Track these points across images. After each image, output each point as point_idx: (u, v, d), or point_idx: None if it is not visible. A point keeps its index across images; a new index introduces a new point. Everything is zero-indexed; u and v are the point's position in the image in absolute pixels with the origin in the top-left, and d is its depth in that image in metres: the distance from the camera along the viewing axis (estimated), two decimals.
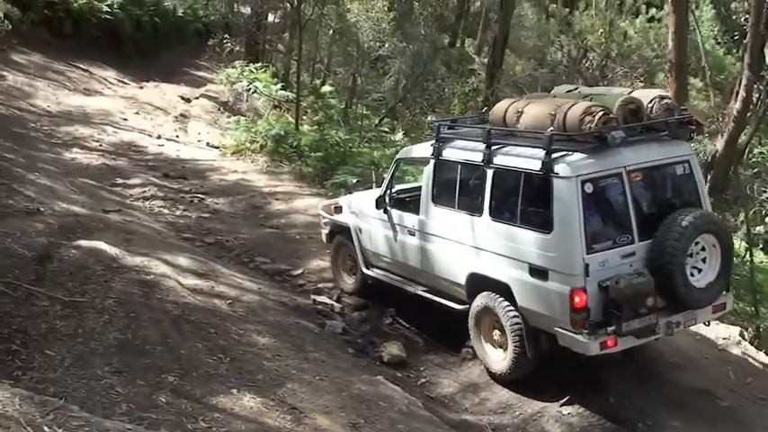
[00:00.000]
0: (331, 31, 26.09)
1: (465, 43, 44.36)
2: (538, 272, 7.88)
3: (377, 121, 25.78)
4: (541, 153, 7.82)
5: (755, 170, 15.50)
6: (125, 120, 20.88)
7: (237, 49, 27.73)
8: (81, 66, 25.18)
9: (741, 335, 9.46)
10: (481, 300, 8.66)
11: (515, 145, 8.33)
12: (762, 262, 16.32)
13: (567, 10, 19.21)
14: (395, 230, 9.90)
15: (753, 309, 13.25)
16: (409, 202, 9.90)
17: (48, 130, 18.95)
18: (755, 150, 15.63)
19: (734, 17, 15.82)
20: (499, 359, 8.62)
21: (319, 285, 11.44)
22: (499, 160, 8.39)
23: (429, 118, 12.19)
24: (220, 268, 10.84)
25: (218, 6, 33.24)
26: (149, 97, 23.42)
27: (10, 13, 22.94)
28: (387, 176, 10.37)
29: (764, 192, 14.99)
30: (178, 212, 14.51)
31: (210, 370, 7.42)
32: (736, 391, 8.49)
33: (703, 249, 7.95)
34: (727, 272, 8.18)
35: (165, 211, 14.51)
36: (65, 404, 5.35)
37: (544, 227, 7.82)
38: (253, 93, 22.45)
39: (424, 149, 9.74)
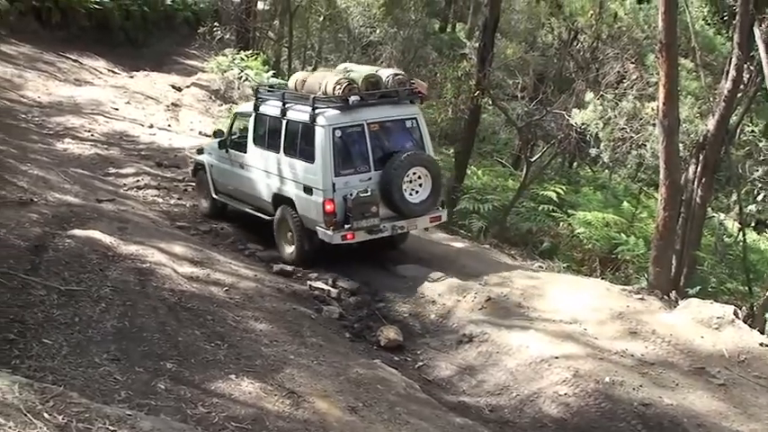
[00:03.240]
0: (321, 18, 26.05)
1: (456, 28, 44.32)
2: (307, 189, 11.05)
3: None
4: (309, 110, 10.90)
5: (747, 150, 15.56)
6: (116, 109, 20.80)
7: (228, 37, 27.60)
8: (71, 56, 25.07)
9: (735, 313, 9.49)
10: (280, 211, 11.68)
11: (298, 104, 11.34)
12: (754, 241, 16.43)
13: None
14: (231, 165, 12.83)
15: (746, 287, 13.35)
16: (240, 144, 12.67)
17: (39, 120, 18.88)
18: (747, 130, 15.69)
19: None
20: (290, 252, 11.61)
21: (315, 271, 11.45)
22: (289, 115, 11.44)
23: (256, 85, 15.03)
24: (216, 256, 10.84)
25: None
26: (140, 87, 23.34)
27: None
28: (227, 125, 13.51)
29: (756, 171, 15.07)
30: (172, 201, 14.49)
31: (209, 356, 7.46)
32: (730, 369, 8.54)
33: (419, 177, 11.13)
34: (437, 193, 11.42)
35: (159, 199, 14.50)
36: (64, 391, 5.34)
37: (310, 159, 10.92)
38: (244, 81, 22.36)
39: (249, 106, 12.70)
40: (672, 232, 11.69)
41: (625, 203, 17.83)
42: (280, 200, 11.66)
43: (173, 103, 21.88)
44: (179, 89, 23.33)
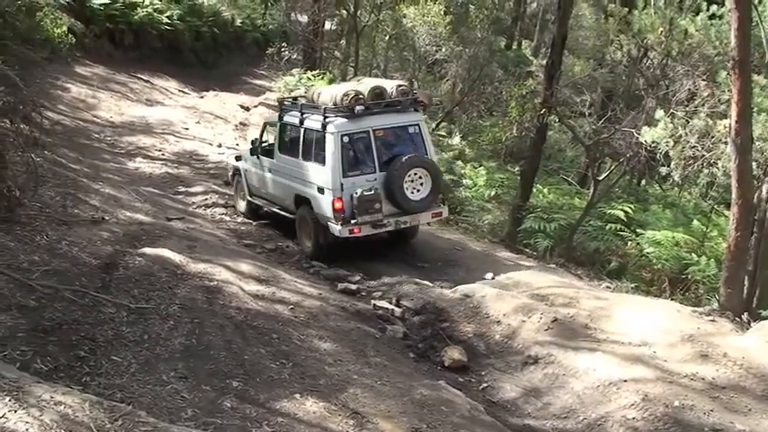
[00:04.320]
0: (387, 37, 26.18)
1: (522, 45, 44.16)
2: (320, 189, 12.30)
3: (434, 126, 25.76)
4: (321, 118, 12.18)
5: None
6: (186, 129, 21.22)
7: (295, 57, 27.99)
8: (142, 77, 25.68)
9: None
10: (300, 210, 13.01)
11: (313, 114, 12.58)
12: None
13: (626, 9, 18.84)
14: (262, 170, 14.12)
15: None
16: (269, 151, 13.92)
17: (111, 140, 19.36)
18: None
19: None
20: (309, 246, 12.91)
21: (379, 290, 11.46)
22: (306, 123, 12.71)
23: (279, 97, 16.05)
24: (281, 274, 10.94)
25: (276, 16, 33.66)
26: (210, 106, 23.77)
27: (74, 26, 23.52)
28: (258, 134, 14.75)
29: None
30: (239, 219, 14.72)
31: (274, 375, 7.50)
32: None
33: (420, 177, 12.38)
34: (437, 191, 12.71)
35: (227, 218, 14.73)
36: (132, 410, 5.45)
37: (322, 162, 12.19)
38: None
39: (276, 117, 13.92)
40: (744, 252, 11.39)
41: (695, 222, 17.46)
42: (300, 200, 12.95)
43: (241, 123, 22.22)
44: (247, 109, 23.68)
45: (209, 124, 21.78)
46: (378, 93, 12.54)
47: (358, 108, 12.12)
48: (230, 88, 26.83)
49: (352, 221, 12.06)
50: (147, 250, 10.12)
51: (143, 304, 8.43)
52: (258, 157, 14.15)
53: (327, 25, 29.12)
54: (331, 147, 12.02)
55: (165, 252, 10.13)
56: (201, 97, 25.37)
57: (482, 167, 21.49)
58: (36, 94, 14.03)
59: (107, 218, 11.59)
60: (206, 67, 28.94)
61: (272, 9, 34.29)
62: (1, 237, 9.19)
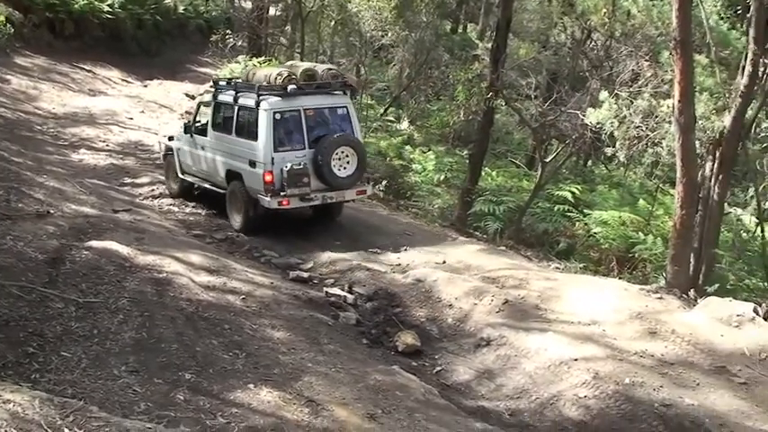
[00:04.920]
0: (333, 22, 26.05)
1: (467, 29, 44.26)
2: (252, 163, 12.82)
3: (382, 111, 25.76)
4: (255, 96, 12.70)
5: (764, 145, 15.43)
6: (131, 119, 20.92)
7: (240, 44, 27.68)
8: (84, 66, 25.26)
9: (755, 311, 9.41)
10: (232, 185, 13.43)
11: (247, 92, 13.07)
12: None
13: None
14: (195, 147, 14.44)
15: (766, 284, 13.24)
16: (202, 129, 14.28)
17: (54, 132, 19.01)
18: (763, 125, 15.54)
19: None
20: (239, 220, 13.36)
21: (331, 278, 11.45)
22: (240, 101, 13.22)
23: (214, 76, 16.88)
24: (232, 264, 10.86)
25: (219, 2, 33.28)
26: (154, 95, 23.47)
27: (11, 16, 23.02)
28: (192, 113, 15.20)
29: None
30: (187, 209, 14.55)
31: (227, 366, 7.45)
32: (751, 368, 8.46)
33: (347, 156, 12.93)
34: (363, 170, 13.27)
35: (175, 208, 14.57)
36: (84, 405, 5.37)
37: (255, 138, 12.73)
38: None
39: (207, 96, 14.78)
40: (689, 230, 11.62)
41: (641, 201, 17.74)
42: (232, 175, 13.40)
43: (186, 111, 21.90)
44: (192, 97, 23.37)
45: (154, 113, 21.52)
46: (309, 75, 13.24)
47: (290, 88, 12.75)
48: (175, 77, 26.51)
49: (282, 194, 12.56)
50: (94, 243, 9.96)
51: (91, 298, 8.31)
52: (192, 136, 14.48)
53: (272, 11, 28.90)
54: (263, 123, 12.60)
55: (112, 245, 9.98)
56: (145, 86, 25.03)
57: (431, 152, 21.57)
58: None
59: (52, 211, 11.38)
60: (149, 56, 28.53)
61: None
62: None
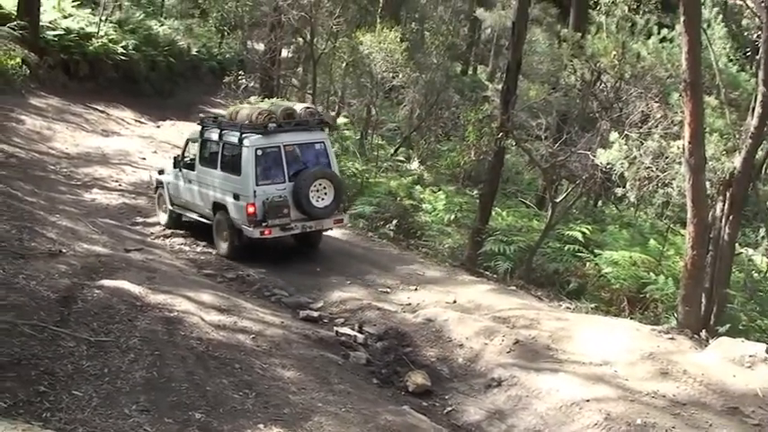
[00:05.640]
0: (344, 64, 26.26)
1: (477, 70, 44.59)
2: (235, 196, 13.65)
3: (392, 151, 25.87)
4: (238, 134, 13.64)
5: None
6: (143, 159, 21.08)
7: (252, 85, 27.93)
8: (98, 107, 25.50)
9: (767, 351, 9.36)
10: (218, 215, 14.24)
11: (232, 130, 13.96)
12: None
13: (579, 34, 19.15)
14: (183, 181, 15.23)
15: None
16: (191, 164, 15.10)
17: (67, 171, 19.15)
18: None
19: (746, 33, 15.74)
20: (225, 247, 14.16)
21: (341, 317, 11.45)
22: (224, 138, 14.06)
23: (201, 115, 17.21)
24: (242, 303, 10.88)
25: (232, 44, 33.61)
26: (167, 136, 23.66)
27: (27, 58, 23.24)
28: (182, 148, 15.83)
29: None
30: (198, 249, 14.61)
31: (237, 405, 7.44)
32: (764, 409, 8.38)
33: (324, 188, 13.77)
34: (339, 200, 14.31)
35: (186, 248, 14.63)
36: None
37: (239, 172, 13.56)
38: None
39: (196, 132, 15.22)
40: (701, 270, 11.57)
41: (652, 242, 17.66)
42: (218, 206, 14.22)
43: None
44: None
45: (167, 154, 21.61)
46: (288, 113, 14.21)
47: (271, 125, 13.68)
48: (187, 117, 26.71)
49: (263, 224, 13.37)
50: (106, 282, 10.02)
51: (103, 337, 8.33)
52: (180, 170, 15.32)
53: (284, 53, 29.18)
54: (246, 158, 13.43)
55: (123, 284, 10.03)
56: (158, 127, 25.25)
57: (441, 192, 21.60)
58: None
59: (64, 250, 11.45)
60: (162, 97, 28.83)
61: (229, 38, 34.24)
62: None
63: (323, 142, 14.25)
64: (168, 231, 15.38)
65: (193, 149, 15.23)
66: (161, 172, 16.40)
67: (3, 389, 6.73)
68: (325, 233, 14.94)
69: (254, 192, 13.38)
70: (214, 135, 14.43)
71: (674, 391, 8.70)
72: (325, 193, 13.84)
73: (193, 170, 14.95)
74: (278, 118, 13.95)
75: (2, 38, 21.48)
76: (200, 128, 15.03)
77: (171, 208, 15.71)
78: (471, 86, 35.91)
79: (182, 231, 15.36)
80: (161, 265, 12.26)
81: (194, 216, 15.15)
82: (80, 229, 13.44)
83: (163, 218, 16.06)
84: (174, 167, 15.55)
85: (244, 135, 13.60)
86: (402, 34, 24.90)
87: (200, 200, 14.76)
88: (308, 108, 14.88)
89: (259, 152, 13.50)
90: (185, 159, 15.40)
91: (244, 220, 13.49)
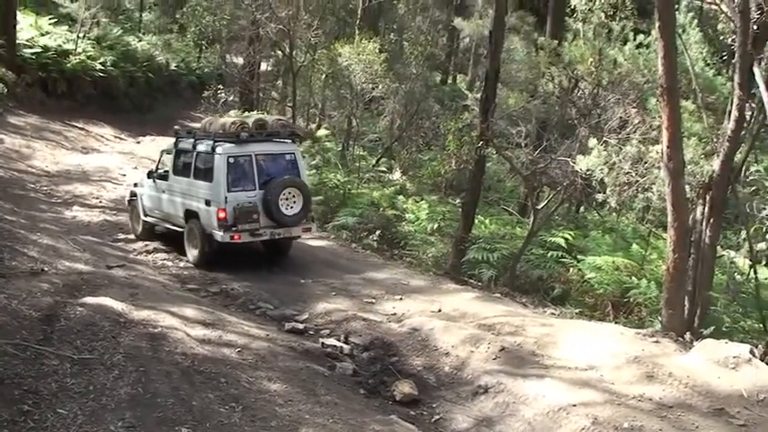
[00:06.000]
0: (324, 76, 26.32)
1: (457, 79, 44.73)
2: (207, 202, 14.07)
3: (374, 162, 25.89)
4: (211, 143, 14.14)
5: (753, 188, 15.51)
6: (124, 175, 21.03)
7: (232, 98, 27.96)
8: (77, 124, 25.45)
9: (751, 352, 9.41)
10: (189, 223, 14.60)
11: (205, 139, 14.52)
12: (766, 278, 16.30)
13: (556, 41, 19.28)
14: (157, 191, 15.65)
15: (761, 325, 13.22)
16: (164, 175, 15.52)
17: (47, 189, 19.07)
18: (752, 168, 15.66)
19: (721, 38, 15.89)
20: (195, 254, 14.51)
21: (327, 328, 11.43)
22: (198, 148, 14.56)
23: (176, 127, 17.85)
24: (227, 317, 10.85)
25: (211, 59, 33.61)
26: (147, 151, 23.61)
27: (5, 76, 23.20)
28: (157, 160, 16.39)
29: (764, 209, 15.01)
30: (181, 264, 14.56)
31: (224, 419, 7.40)
32: (749, 409, 8.43)
33: (293, 196, 14.19)
34: (307, 209, 14.56)
35: (169, 263, 14.58)
36: None
37: (211, 180, 14.00)
38: None
39: (170, 144, 15.85)
40: (683, 274, 11.64)
41: (634, 246, 17.74)
42: (189, 214, 14.60)
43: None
44: None
45: (147, 169, 21.56)
46: (260, 124, 14.85)
47: (243, 135, 14.23)
48: (167, 132, 26.46)
49: (233, 229, 13.80)
50: (89, 300, 9.96)
51: (86, 355, 8.28)
52: (154, 181, 15.76)
53: (263, 66, 29.21)
54: (218, 166, 13.90)
55: (106, 301, 9.98)
56: (138, 142, 25.20)
57: (424, 201, 21.62)
58: None
59: (46, 269, 11.39)
60: (141, 113, 28.80)
61: (207, 52, 34.24)
62: None
63: (293, 153, 14.75)
64: (151, 247, 15.31)
65: (167, 161, 15.63)
66: (135, 184, 16.93)
67: None
68: (302, 243, 15.42)
69: (226, 198, 13.81)
70: (188, 145, 14.91)
71: (660, 394, 8.73)
72: (294, 202, 14.28)
73: (167, 180, 15.37)
74: (250, 128, 14.50)
75: None
76: (174, 139, 15.59)
77: (144, 219, 16.10)
78: (451, 96, 36.02)
79: (164, 247, 15.28)
80: (144, 281, 12.21)
81: (167, 225, 15.55)
82: (61, 247, 13.37)
83: (137, 228, 16.46)
84: (148, 178, 16.01)
85: (216, 144, 14.08)
86: (381, 45, 24.98)
87: (173, 209, 15.16)
88: (280, 120, 15.76)
89: (231, 160, 13.95)
90: (159, 171, 15.81)
91: (214, 226, 13.88)
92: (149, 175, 16.02)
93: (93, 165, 21.67)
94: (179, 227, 15.06)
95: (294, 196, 14.27)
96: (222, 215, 13.78)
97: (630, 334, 10.47)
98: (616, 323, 13.05)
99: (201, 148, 14.48)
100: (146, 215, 16.09)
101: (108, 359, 8.25)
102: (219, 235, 13.83)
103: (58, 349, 8.24)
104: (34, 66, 25.76)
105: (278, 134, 14.84)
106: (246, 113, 17.65)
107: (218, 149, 13.98)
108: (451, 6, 40.93)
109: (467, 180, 19.44)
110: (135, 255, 14.93)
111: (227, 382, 8.32)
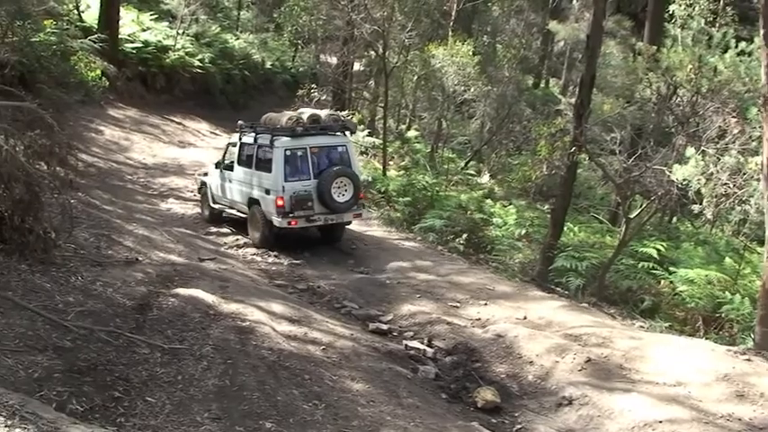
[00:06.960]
0: (416, 77, 26.35)
1: (549, 84, 44.21)
2: (267, 191, 15.20)
3: (463, 165, 25.81)
4: (270, 137, 15.14)
5: None
6: None
7: (324, 97, 28.24)
8: (174, 119, 26.05)
9: None
10: (252, 209, 15.75)
11: (265, 134, 15.51)
12: None
13: (655, 47, 18.82)
14: (223, 180, 16.80)
15: None
16: (230, 165, 16.60)
17: (144, 181, 19.61)
18: None
19: None
20: (257, 236, 15.60)
21: (410, 330, 11.43)
22: (258, 141, 15.66)
23: (239, 122, 17.41)
24: (313, 314, 10.94)
25: (306, 58, 34.01)
26: None
27: (107, 70, 23.93)
28: (224, 152, 17.31)
29: None
30: (270, 259, 14.78)
31: (307, 416, 7.48)
32: None
33: (344, 185, 15.22)
34: (357, 196, 15.51)
35: (258, 258, 14.81)
36: None
37: (270, 170, 15.09)
38: None
39: (236, 137, 16.81)
40: None
41: (728, 260, 17.24)
42: (252, 201, 15.72)
43: None
44: None
45: None
46: (314, 119, 15.80)
47: (298, 129, 15.21)
48: None
49: (290, 215, 14.89)
50: (181, 291, 10.20)
51: (177, 345, 8.48)
52: (221, 171, 16.87)
53: (356, 66, 29.40)
54: (277, 158, 14.97)
55: (197, 293, 10.20)
56: None
57: (512, 206, 21.46)
58: (70, 136, 14.28)
59: (140, 259, 11.70)
60: (237, 109, 29.28)
61: (302, 52, 34.69)
62: (37, 278, 9.32)
63: (345, 145, 15.78)
64: (241, 242, 15.64)
65: (233, 152, 16.67)
66: (205, 174, 18.12)
67: (80, 393, 6.91)
68: (389, 243, 16.22)
69: (283, 187, 14.88)
70: (250, 139, 16.01)
71: (750, 414, 8.45)
72: (346, 190, 15.29)
73: (232, 170, 16.46)
74: (305, 123, 15.50)
75: (84, 50, 22.18)
76: (238, 133, 16.66)
77: (212, 205, 17.33)
78: (543, 100, 35.61)
79: (254, 248, 15.56)
80: (234, 274, 12.43)
81: (233, 211, 16.75)
82: (156, 238, 13.72)
83: (205, 213, 17.67)
84: (216, 169, 17.19)
85: (274, 138, 15.11)
86: (474, 47, 24.91)
87: (238, 196, 16.26)
88: (332, 115, 17.03)
89: (288, 152, 15.03)
90: (225, 162, 16.85)
91: (273, 212, 14.96)
92: (217, 165, 17.18)
93: (189, 159, 22.19)
94: (243, 213, 16.22)
95: (345, 185, 15.27)
96: (280, 203, 14.86)
97: (721, 351, 10.17)
98: (707, 339, 12.68)
99: (262, 141, 15.56)
100: (214, 202, 17.29)
101: (197, 350, 8.43)
102: (278, 220, 14.94)
103: (150, 338, 8.47)
104: (135, 60, 26.51)
105: (331, 128, 15.82)
106: (334, 111, 18.41)
107: (276, 143, 15.04)
108: (547, 9, 40.39)
109: (557, 186, 19.19)
110: (226, 248, 15.24)
111: (311, 380, 8.40)
